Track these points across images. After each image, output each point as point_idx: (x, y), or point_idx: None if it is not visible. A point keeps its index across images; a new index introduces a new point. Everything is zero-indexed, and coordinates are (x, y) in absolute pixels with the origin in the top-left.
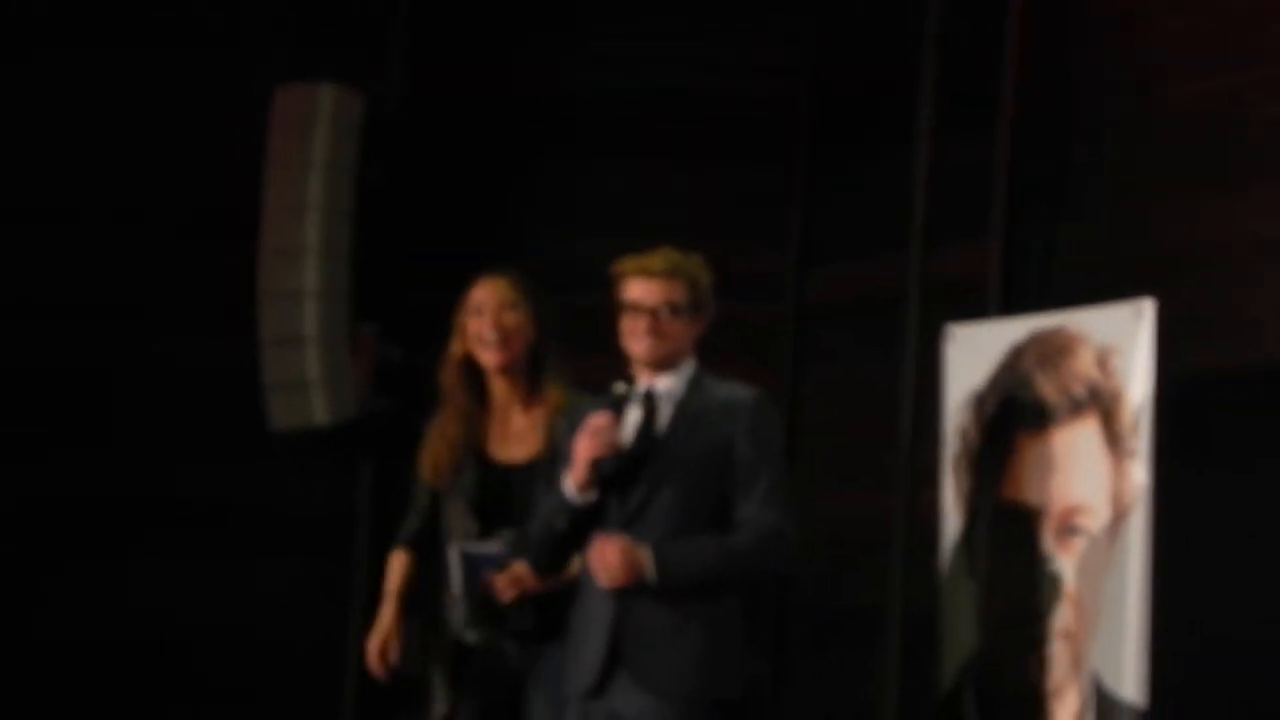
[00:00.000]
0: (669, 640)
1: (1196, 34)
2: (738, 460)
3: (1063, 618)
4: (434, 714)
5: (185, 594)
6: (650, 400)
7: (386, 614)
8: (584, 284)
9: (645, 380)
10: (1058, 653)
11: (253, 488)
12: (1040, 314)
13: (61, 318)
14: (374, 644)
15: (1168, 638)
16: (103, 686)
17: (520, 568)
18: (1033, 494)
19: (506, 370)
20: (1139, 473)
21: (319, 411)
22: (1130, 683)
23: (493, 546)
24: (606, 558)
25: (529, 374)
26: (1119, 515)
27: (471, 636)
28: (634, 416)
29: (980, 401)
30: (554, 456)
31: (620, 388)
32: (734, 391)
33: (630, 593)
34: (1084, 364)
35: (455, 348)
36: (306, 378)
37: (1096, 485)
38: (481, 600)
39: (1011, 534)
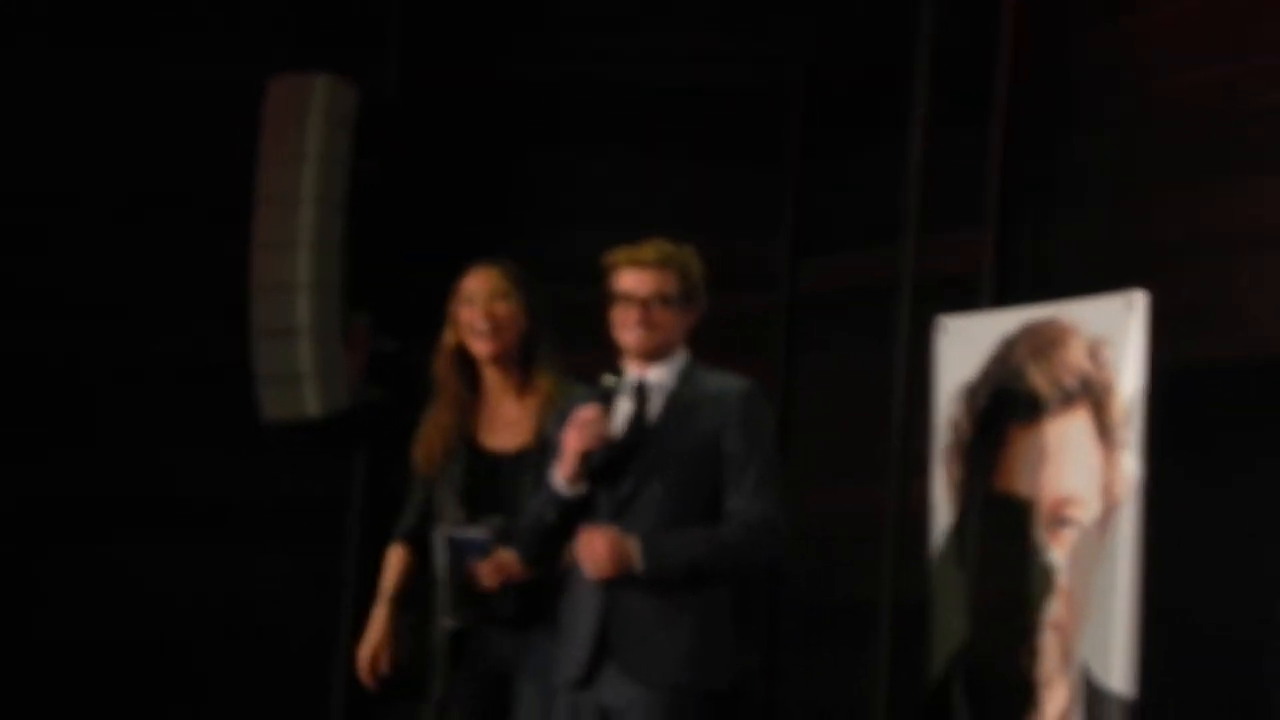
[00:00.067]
0: (657, 631)
1: (1191, 25)
2: (728, 452)
3: (1053, 609)
4: (428, 698)
5: (178, 584)
6: (642, 391)
7: (378, 620)
8: (577, 277)
9: (637, 371)
10: (1047, 644)
11: (245, 479)
12: (1032, 306)
13: (52, 312)
14: (364, 652)
15: (1157, 629)
16: (96, 679)
17: (504, 554)
18: (1024, 485)
19: (498, 360)
20: (1130, 464)
21: (311, 403)
22: (1119, 674)
23: (479, 532)
24: (595, 549)
25: (521, 363)
26: (1110, 507)
27: (452, 622)
28: (625, 408)
29: (972, 393)
30: (544, 447)
31: (609, 380)
32: (725, 382)
33: (619, 584)
34: (1075, 355)
35: (448, 337)
36: (299, 369)
37: (1088, 477)
38: (464, 586)
39: (1003, 525)
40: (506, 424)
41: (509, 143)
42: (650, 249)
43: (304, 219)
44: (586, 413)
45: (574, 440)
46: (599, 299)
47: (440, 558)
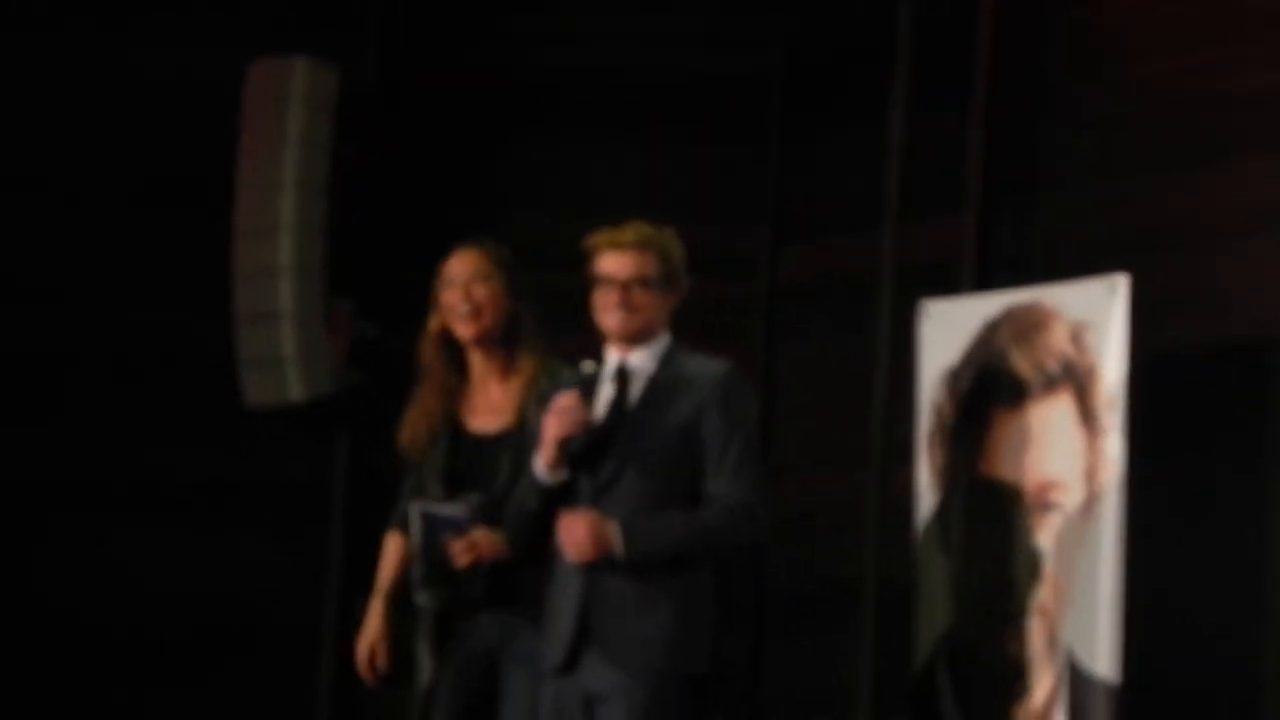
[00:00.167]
0: (638, 615)
1: (1169, 11)
2: (708, 435)
3: (1038, 594)
4: (416, 686)
5: (160, 569)
6: (623, 376)
7: (374, 617)
8: (558, 263)
9: (619, 355)
10: (1033, 629)
11: (227, 462)
12: (1015, 290)
13: (31, 296)
14: (362, 649)
15: (1142, 614)
16: (79, 664)
17: (479, 534)
18: (1008, 470)
19: (480, 342)
20: (1113, 448)
21: (294, 388)
22: (1104, 659)
23: (455, 510)
24: (574, 533)
25: (504, 345)
26: (1093, 491)
27: (423, 598)
28: (607, 392)
29: (955, 377)
30: (525, 428)
31: (588, 367)
32: (705, 366)
33: (599, 568)
34: (1058, 339)
35: (433, 322)
36: (281, 354)
37: (1071, 461)
38: (436, 563)
39: (987, 510)
40: (491, 406)
41: (489, 127)
42: (630, 231)
43: (285, 204)
44: (564, 400)
45: (553, 427)
46: (581, 284)
47: (415, 532)
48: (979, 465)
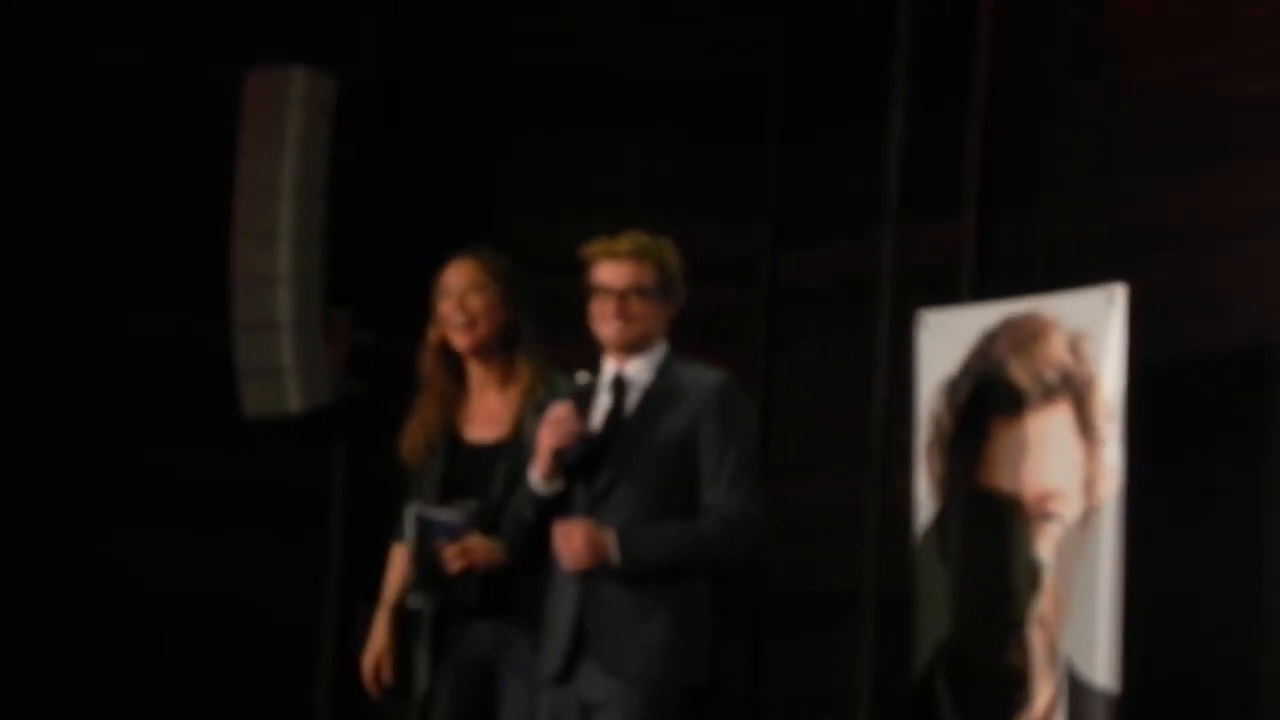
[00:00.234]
0: (634, 625)
1: (1169, 14)
2: (704, 445)
3: (1037, 604)
4: (414, 692)
5: (160, 570)
6: (619, 386)
7: (380, 629)
8: (557, 267)
9: (615, 364)
10: (1032, 639)
11: (227, 464)
12: (1013, 299)
13: (31, 296)
14: (368, 664)
15: (1141, 623)
16: (78, 664)
17: (473, 540)
18: (1006, 480)
19: (476, 352)
20: (1112, 458)
21: (293, 399)
22: (1103, 669)
23: (450, 515)
24: (570, 540)
25: (502, 354)
26: (1092, 501)
27: (415, 601)
28: (604, 402)
29: (953, 387)
30: (521, 440)
31: (583, 377)
32: (702, 376)
33: (595, 577)
34: (1056, 349)
35: (432, 332)
36: (280, 364)
37: (1070, 471)
38: (429, 567)
39: (986, 520)
40: (488, 416)
41: (489, 128)
42: (626, 241)
43: (284, 209)
44: (559, 411)
45: (547, 438)
46: (580, 290)
47: (409, 535)
48: (978, 475)
